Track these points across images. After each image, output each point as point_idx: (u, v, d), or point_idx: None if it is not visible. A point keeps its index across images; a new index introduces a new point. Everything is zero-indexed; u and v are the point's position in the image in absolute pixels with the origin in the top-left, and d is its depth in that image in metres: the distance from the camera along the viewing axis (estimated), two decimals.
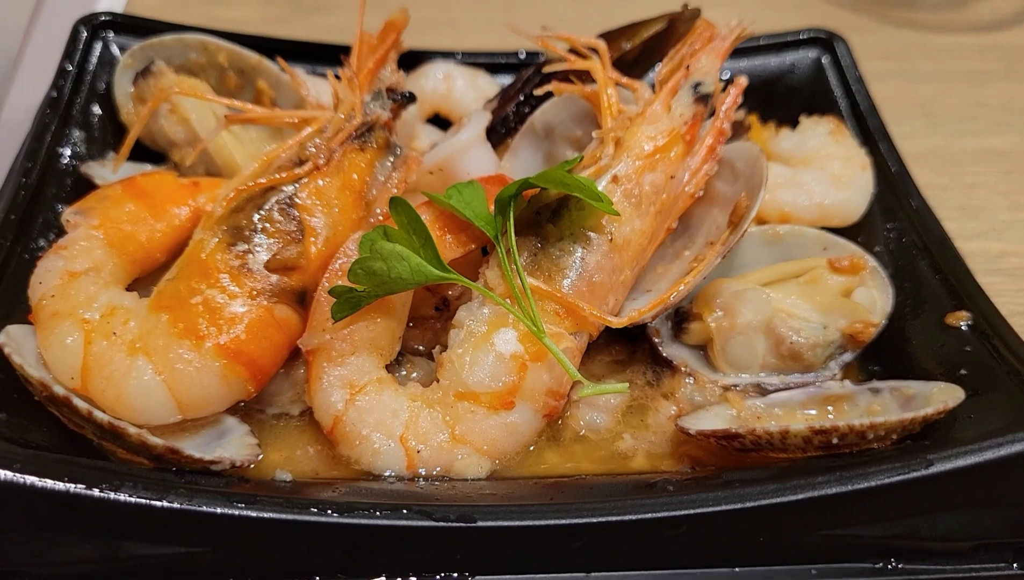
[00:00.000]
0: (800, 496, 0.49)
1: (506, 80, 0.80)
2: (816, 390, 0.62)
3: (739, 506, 0.49)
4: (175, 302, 0.55)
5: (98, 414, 0.50)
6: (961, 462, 0.50)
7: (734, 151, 0.65)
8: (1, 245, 0.61)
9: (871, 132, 0.74)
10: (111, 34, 0.76)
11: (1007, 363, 0.57)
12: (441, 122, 0.79)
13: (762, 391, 0.62)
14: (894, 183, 0.71)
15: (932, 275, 0.65)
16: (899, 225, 0.69)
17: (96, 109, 0.73)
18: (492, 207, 0.60)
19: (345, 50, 0.78)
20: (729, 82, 0.66)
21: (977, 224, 0.83)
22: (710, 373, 0.63)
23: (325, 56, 0.80)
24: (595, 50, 0.67)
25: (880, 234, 0.70)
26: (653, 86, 0.66)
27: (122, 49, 0.76)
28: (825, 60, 0.80)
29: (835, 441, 0.53)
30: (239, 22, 1.03)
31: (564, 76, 0.67)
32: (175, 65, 0.74)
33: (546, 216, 0.60)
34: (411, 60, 0.80)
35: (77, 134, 0.71)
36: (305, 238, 0.58)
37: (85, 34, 0.75)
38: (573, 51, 0.68)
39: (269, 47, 0.78)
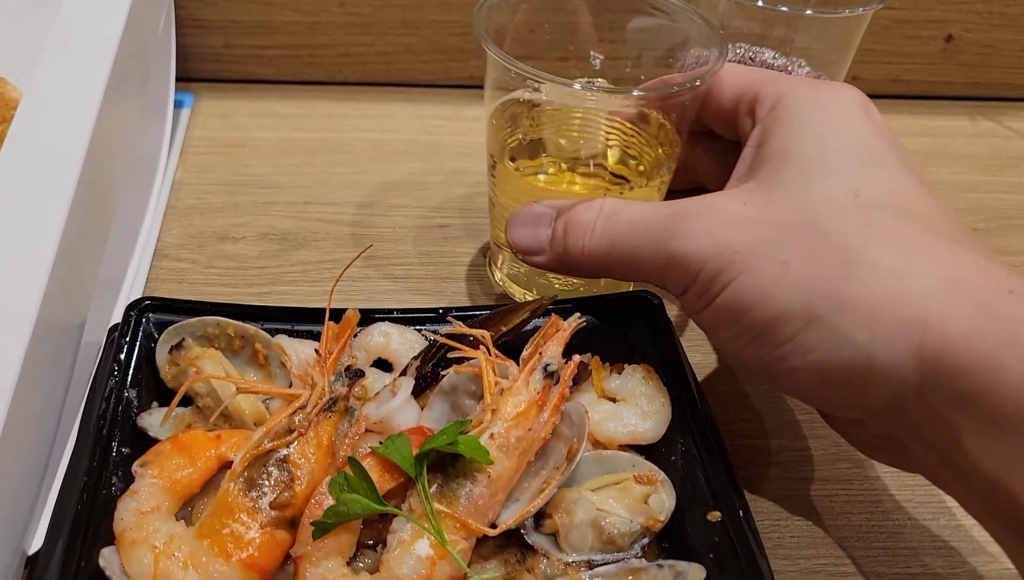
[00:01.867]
0: None
1: (427, 327, 1.15)
2: (624, 564, 0.95)
3: None
4: (212, 532, 0.88)
5: None
6: None
7: (570, 407, 0.99)
8: (88, 485, 0.93)
9: (675, 373, 1.09)
10: (150, 314, 1.09)
11: (735, 552, 0.91)
12: (383, 363, 1.13)
13: (591, 565, 0.96)
14: (686, 412, 1.05)
15: (704, 481, 1.00)
16: (687, 442, 1.04)
17: (143, 370, 1.06)
18: (415, 450, 0.94)
19: (315, 313, 1.12)
20: (570, 358, 1.01)
21: (765, 426, 1.18)
22: (558, 553, 0.96)
23: (302, 317, 1.13)
24: (483, 336, 1.02)
25: (677, 447, 1.04)
26: (518, 361, 1.02)
27: (158, 323, 1.09)
28: (647, 316, 1.15)
29: None
30: (242, 257, 1.34)
31: (460, 358, 1.01)
32: (197, 336, 1.08)
33: (448, 461, 0.94)
34: (365, 316, 1.13)
35: (131, 392, 1.03)
36: (294, 484, 0.91)
37: (133, 315, 1.08)
38: (467, 335, 1.03)
39: (262, 315, 1.11)
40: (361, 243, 1.39)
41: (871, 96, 0.95)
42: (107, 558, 0.87)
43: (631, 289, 1.27)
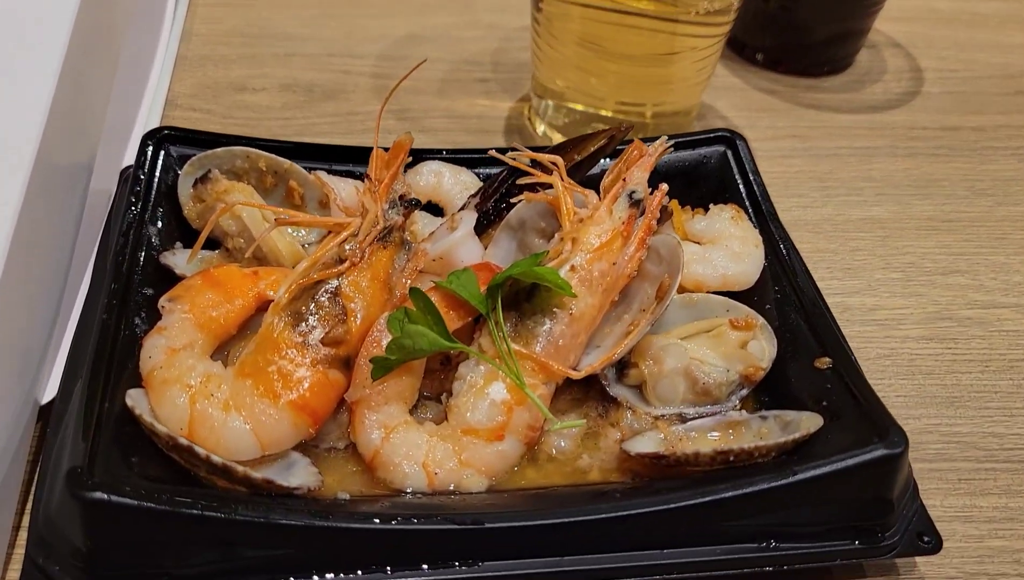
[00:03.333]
0: (705, 499, 0.71)
1: (483, 170, 1.01)
2: (722, 417, 0.84)
3: (663, 507, 0.70)
4: (255, 370, 0.76)
5: (214, 457, 0.70)
6: (815, 472, 0.71)
7: (659, 241, 0.86)
8: (108, 324, 0.80)
9: (764, 215, 0.96)
10: (170, 146, 0.95)
11: (853, 397, 0.79)
12: (433, 208, 1.00)
13: (683, 419, 0.84)
14: (780, 255, 0.93)
15: (805, 328, 0.87)
16: (783, 288, 0.91)
17: (163, 208, 0.92)
18: (482, 288, 0.81)
19: (353, 152, 0.99)
20: (655, 188, 0.88)
21: (857, 283, 1.05)
22: (644, 406, 0.84)
23: (341, 156, 0.99)
24: (554, 162, 0.89)
25: (770, 295, 0.91)
26: (598, 191, 0.89)
27: (179, 157, 0.95)
28: (730, 154, 1.02)
29: (732, 459, 0.76)
30: (263, 108, 1.21)
31: (531, 185, 0.88)
32: (225, 170, 0.94)
33: (523, 296, 0.81)
34: (412, 156, 1.00)
35: (151, 229, 0.89)
36: (348, 319, 0.78)
37: (151, 146, 0.94)
38: (537, 163, 0.90)
39: (296, 152, 0.98)
40: (393, 95, 1.24)
41: None
42: (135, 398, 0.74)
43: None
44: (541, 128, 1.21)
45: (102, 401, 0.74)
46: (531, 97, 1.23)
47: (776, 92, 1.33)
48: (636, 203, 0.85)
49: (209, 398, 0.74)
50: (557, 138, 1.20)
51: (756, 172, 1.00)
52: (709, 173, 1.02)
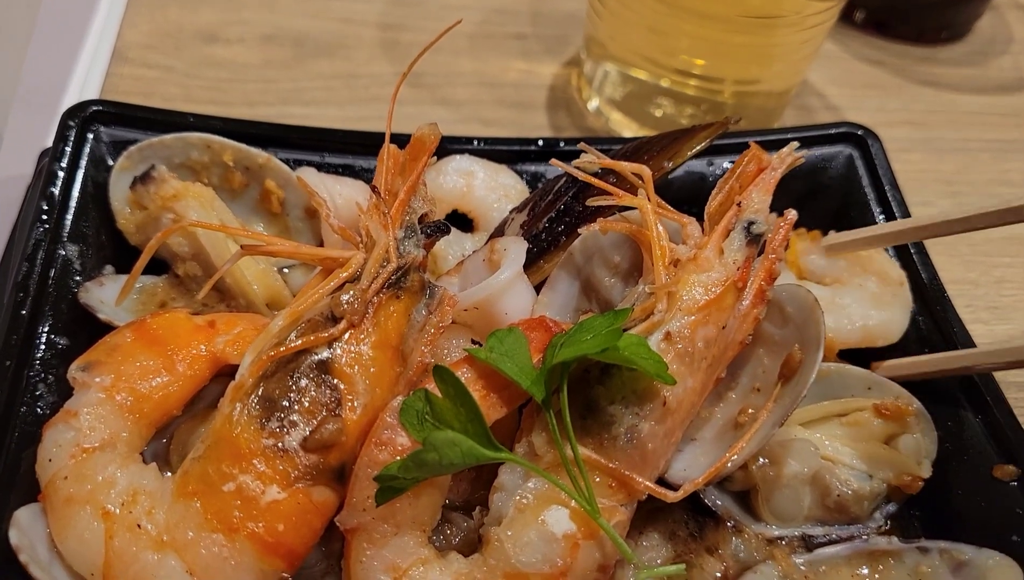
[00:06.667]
0: None
1: (527, 168, 0.76)
2: (862, 544, 0.60)
3: None
4: (205, 488, 0.51)
5: None
6: None
7: (783, 292, 0.62)
8: None
9: (906, 246, 0.72)
10: (101, 127, 0.69)
11: None
12: (458, 218, 0.74)
13: (807, 544, 0.61)
14: (930, 302, 0.69)
15: (974, 417, 0.64)
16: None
17: (89, 216, 0.67)
18: (535, 357, 0.57)
19: (359, 137, 0.74)
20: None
21: (1008, 327, 0.82)
22: (754, 524, 0.61)
23: (339, 142, 0.74)
24: (640, 175, 0.63)
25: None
26: (697, 214, 0.63)
27: (112, 143, 0.69)
28: (859, 158, 0.77)
29: None
30: (239, 65, 0.96)
31: (606, 204, 0.62)
32: (176, 164, 0.69)
33: (595, 374, 0.57)
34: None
35: (70, 248, 0.64)
36: (343, 409, 0.54)
37: (75, 128, 0.68)
38: (607, 169, 0.64)
39: (275, 137, 0.72)
40: (405, 53, 0.99)
41: None
42: (23, 527, 0.51)
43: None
44: (594, 102, 0.96)
45: None
46: (581, 61, 0.97)
47: (883, 63, 1.07)
48: (755, 238, 0.60)
49: (134, 530, 0.51)
50: (614, 117, 0.94)
51: (895, 185, 0.75)
52: (830, 184, 0.77)
